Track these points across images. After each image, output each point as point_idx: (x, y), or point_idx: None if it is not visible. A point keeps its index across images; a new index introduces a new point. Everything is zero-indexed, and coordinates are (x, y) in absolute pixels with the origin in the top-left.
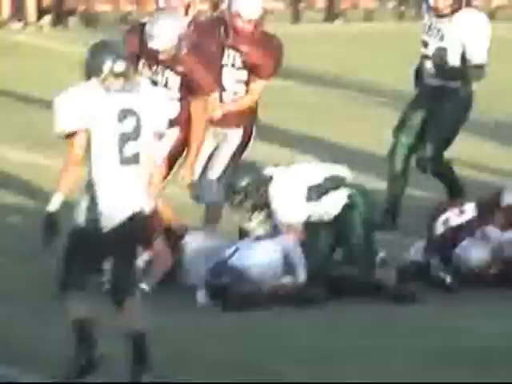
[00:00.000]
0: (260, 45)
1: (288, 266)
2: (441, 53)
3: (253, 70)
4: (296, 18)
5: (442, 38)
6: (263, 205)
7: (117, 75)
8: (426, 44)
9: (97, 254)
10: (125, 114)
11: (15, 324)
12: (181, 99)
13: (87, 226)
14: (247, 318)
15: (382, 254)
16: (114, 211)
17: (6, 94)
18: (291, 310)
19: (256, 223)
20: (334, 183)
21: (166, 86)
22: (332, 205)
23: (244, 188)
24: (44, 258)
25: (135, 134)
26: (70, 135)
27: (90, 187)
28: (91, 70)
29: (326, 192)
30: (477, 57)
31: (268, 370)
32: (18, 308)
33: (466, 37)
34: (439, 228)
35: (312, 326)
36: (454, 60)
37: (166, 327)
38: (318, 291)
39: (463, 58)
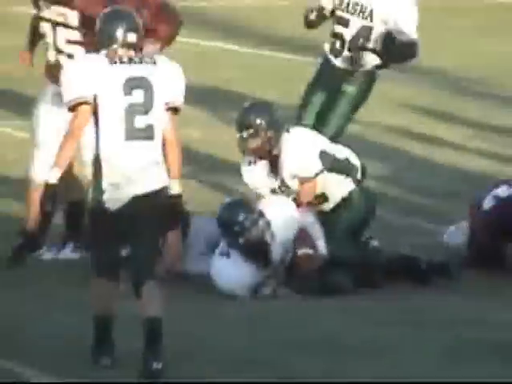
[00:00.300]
0: (158, 11)
1: (305, 240)
2: (366, 32)
3: (147, 33)
4: None
5: (369, 17)
6: (267, 152)
7: (128, 46)
8: (345, 23)
9: (112, 235)
10: (133, 84)
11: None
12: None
13: (94, 206)
14: (259, 307)
15: (374, 243)
16: (119, 190)
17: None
18: (309, 298)
19: (251, 169)
20: (348, 170)
21: (65, 26)
22: (331, 189)
23: (256, 125)
24: None
25: (146, 105)
26: (76, 106)
27: (96, 164)
28: (102, 39)
29: (335, 170)
30: (410, 34)
31: (280, 364)
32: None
33: (397, 14)
34: (488, 204)
35: (330, 316)
36: (376, 39)
37: (173, 317)
38: (345, 279)
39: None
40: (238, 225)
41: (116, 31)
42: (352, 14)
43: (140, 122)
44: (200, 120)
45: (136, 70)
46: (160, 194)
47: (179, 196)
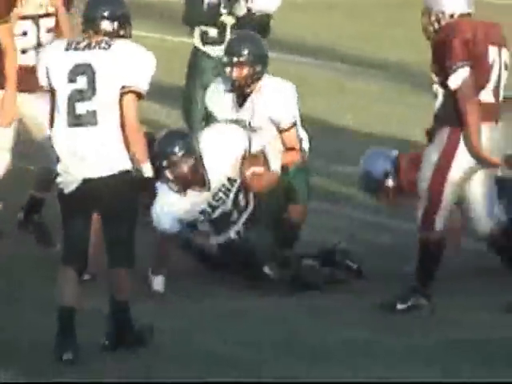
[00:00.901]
0: None
1: (257, 160)
2: (248, 15)
3: None
4: None
5: None
6: (246, 84)
7: (104, 34)
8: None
9: (73, 219)
10: (79, 70)
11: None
12: None
13: (57, 190)
14: (239, 306)
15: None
16: (71, 174)
17: None
18: (285, 299)
19: (218, 92)
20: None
21: None
22: (276, 153)
23: (246, 55)
24: None
25: (89, 91)
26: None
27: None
28: (83, 22)
29: None
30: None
31: (252, 364)
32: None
33: None
34: None
35: (301, 316)
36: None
37: (149, 314)
38: (317, 277)
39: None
40: (165, 158)
41: (93, 17)
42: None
43: (81, 108)
44: (170, 117)
45: (84, 56)
46: (120, 180)
47: (148, 178)
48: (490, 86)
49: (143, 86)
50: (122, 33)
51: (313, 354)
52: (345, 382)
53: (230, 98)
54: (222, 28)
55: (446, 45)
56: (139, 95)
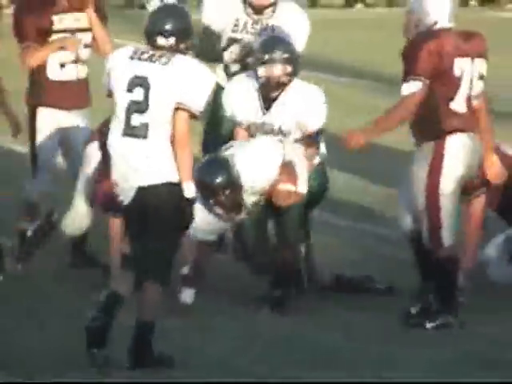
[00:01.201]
0: None
1: (290, 176)
2: None
3: None
4: (313, 2)
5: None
6: (280, 84)
7: (157, 47)
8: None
9: (129, 230)
10: (137, 81)
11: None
12: None
13: (120, 202)
14: (246, 319)
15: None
16: (121, 184)
17: None
18: (295, 308)
19: (242, 91)
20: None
21: None
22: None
23: (282, 54)
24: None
25: (144, 104)
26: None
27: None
28: (145, 37)
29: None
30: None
31: (268, 375)
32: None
33: (288, 28)
34: None
35: (318, 328)
36: None
37: (163, 328)
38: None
39: None
40: (204, 188)
41: (150, 33)
42: (247, 33)
43: (135, 120)
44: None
45: (144, 68)
46: (171, 189)
47: (190, 200)
48: (461, 96)
49: (197, 106)
50: (182, 47)
51: (317, 362)
52: (345, 381)
53: (254, 100)
54: (243, 65)
55: (411, 54)
56: (193, 114)
